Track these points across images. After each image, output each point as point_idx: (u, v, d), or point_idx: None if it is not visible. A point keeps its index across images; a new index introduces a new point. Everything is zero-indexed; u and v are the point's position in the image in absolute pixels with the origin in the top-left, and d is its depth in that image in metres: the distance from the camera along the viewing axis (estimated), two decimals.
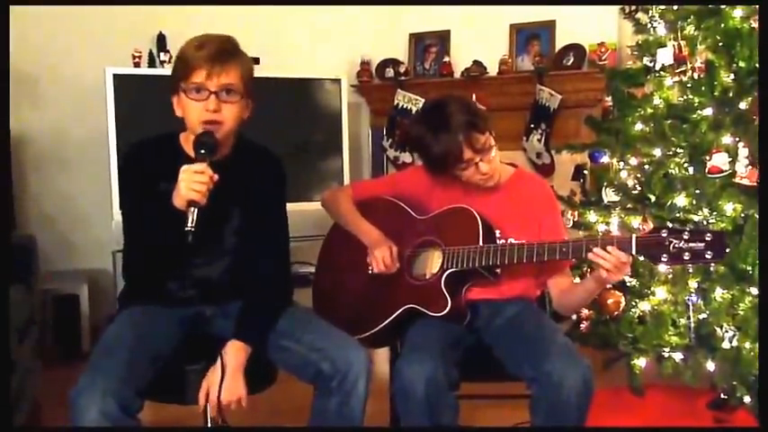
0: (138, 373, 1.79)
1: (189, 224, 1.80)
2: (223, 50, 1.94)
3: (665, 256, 1.93)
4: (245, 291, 2.05)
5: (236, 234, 2.07)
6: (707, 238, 1.90)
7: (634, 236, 1.98)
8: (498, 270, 2.23)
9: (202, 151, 1.88)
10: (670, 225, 2.02)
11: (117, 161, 3.81)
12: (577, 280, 2.28)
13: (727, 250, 1.96)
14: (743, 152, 2.51)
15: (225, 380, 1.90)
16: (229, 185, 1.93)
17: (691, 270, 2.60)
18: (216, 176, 1.85)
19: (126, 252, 2.07)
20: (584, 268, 2.74)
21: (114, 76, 3.85)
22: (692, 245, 1.90)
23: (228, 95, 1.95)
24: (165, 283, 2.05)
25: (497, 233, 2.24)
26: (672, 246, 1.92)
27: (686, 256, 1.91)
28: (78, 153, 4.28)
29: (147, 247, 1.98)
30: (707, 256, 1.90)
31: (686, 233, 1.92)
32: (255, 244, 2.09)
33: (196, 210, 1.82)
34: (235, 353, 1.94)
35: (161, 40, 4.38)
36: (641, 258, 2.16)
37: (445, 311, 2.16)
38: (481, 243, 2.18)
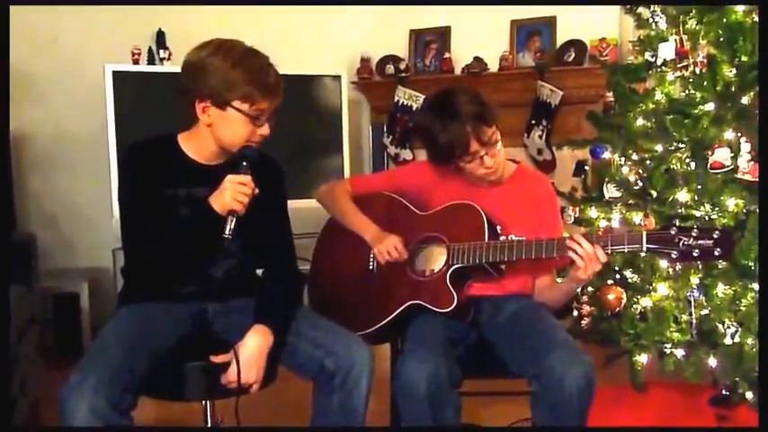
0: (132, 370, 1.76)
1: (227, 232, 1.87)
2: (278, 78, 1.99)
3: (675, 253, 1.95)
4: (258, 287, 2.05)
5: (240, 235, 2.02)
6: (715, 236, 1.92)
7: (644, 231, 1.99)
8: (503, 267, 2.22)
9: (244, 164, 1.94)
10: (676, 223, 2.02)
11: (116, 159, 3.81)
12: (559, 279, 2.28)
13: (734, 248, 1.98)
14: (745, 147, 2.50)
15: (247, 362, 1.89)
16: None
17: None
18: (257, 190, 1.92)
19: (131, 252, 2.06)
20: None
21: (114, 73, 3.85)
22: (700, 242, 1.93)
23: (272, 117, 2.01)
24: (169, 280, 2.04)
25: (498, 229, 2.22)
26: (681, 243, 1.94)
27: (695, 253, 1.94)
28: (78, 151, 4.28)
29: (168, 249, 1.95)
30: (715, 254, 1.92)
31: (695, 230, 1.95)
32: (263, 242, 2.10)
33: (234, 219, 1.88)
34: (262, 334, 1.93)
35: (160, 38, 4.38)
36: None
37: (451, 308, 2.14)
38: (486, 239, 2.17)
